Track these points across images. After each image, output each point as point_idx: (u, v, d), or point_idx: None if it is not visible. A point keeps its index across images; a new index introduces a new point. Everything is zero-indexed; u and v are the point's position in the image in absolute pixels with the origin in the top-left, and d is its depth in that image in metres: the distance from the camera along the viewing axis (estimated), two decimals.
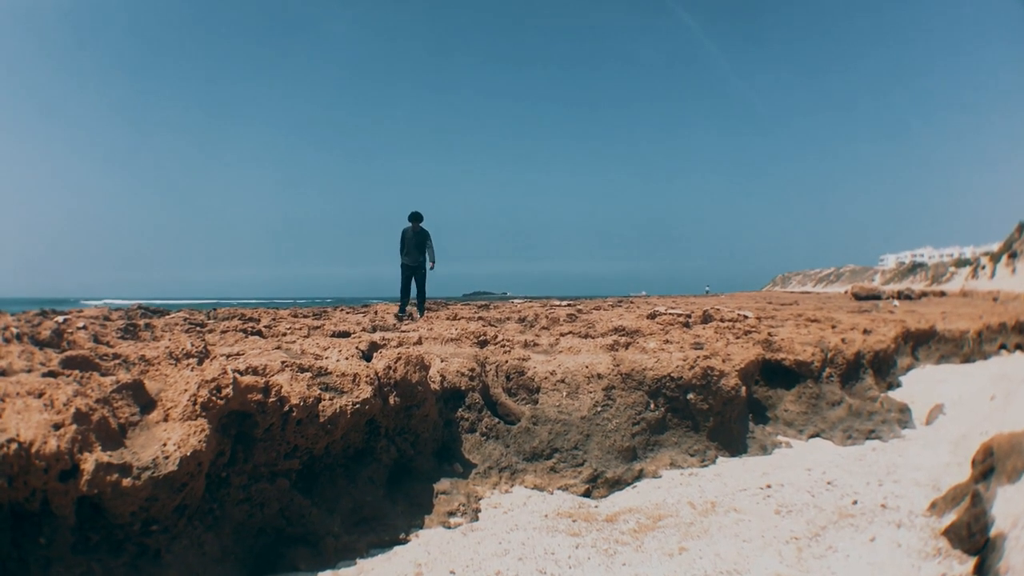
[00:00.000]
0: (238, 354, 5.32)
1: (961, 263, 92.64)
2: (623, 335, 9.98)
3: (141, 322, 9.28)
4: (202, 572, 3.72)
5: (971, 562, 4.21)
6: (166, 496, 3.57)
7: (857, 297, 33.62)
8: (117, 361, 4.43)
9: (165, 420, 3.88)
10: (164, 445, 3.65)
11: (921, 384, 11.67)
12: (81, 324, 7.45)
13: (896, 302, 27.30)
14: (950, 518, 4.89)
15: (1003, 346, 16.00)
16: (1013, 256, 65.95)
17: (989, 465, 4.78)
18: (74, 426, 3.33)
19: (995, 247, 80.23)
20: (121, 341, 6.46)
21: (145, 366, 4.37)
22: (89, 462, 3.30)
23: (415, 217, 14.32)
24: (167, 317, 11.50)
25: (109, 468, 3.34)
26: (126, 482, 3.37)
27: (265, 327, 10.04)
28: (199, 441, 3.76)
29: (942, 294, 41.03)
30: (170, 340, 4.76)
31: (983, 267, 73.12)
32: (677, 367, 7.22)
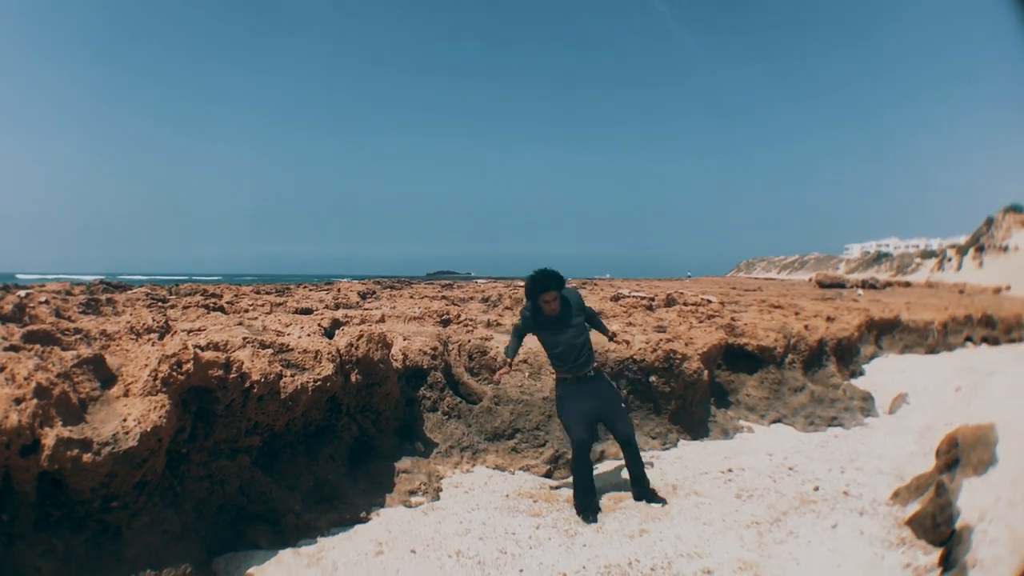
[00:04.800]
0: (199, 330, 5.31)
1: (927, 254, 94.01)
2: None
3: (103, 297, 9.25)
4: (162, 550, 3.74)
5: (936, 553, 4.26)
6: (126, 472, 3.59)
7: (821, 285, 34.00)
8: (79, 336, 4.41)
9: (126, 395, 3.87)
10: (124, 420, 3.65)
11: (885, 373, 11.97)
12: (43, 299, 7.40)
13: (860, 291, 27.61)
14: (914, 508, 5.00)
15: (968, 338, 16.36)
16: (980, 250, 67.24)
17: (954, 456, 4.86)
18: (35, 400, 3.32)
19: (962, 240, 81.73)
20: (83, 316, 6.44)
21: (106, 341, 4.36)
22: (50, 437, 3.30)
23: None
24: (129, 292, 11.47)
25: (70, 443, 3.34)
26: (86, 457, 3.39)
27: (227, 303, 10.01)
28: (159, 417, 3.77)
29: (907, 284, 41.60)
30: (131, 315, 4.75)
31: (949, 259, 74.57)
32: (640, 349, 7.38)
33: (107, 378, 3.98)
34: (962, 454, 4.74)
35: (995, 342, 16.72)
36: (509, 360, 5.83)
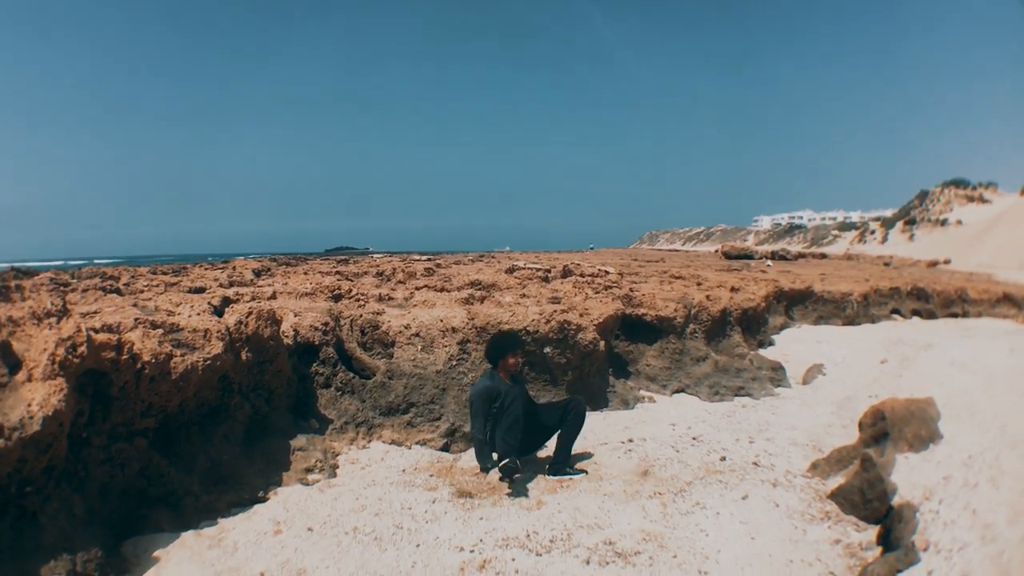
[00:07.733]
0: (95, 312, 5.43)
1: (845, 227, 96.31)
2: (479, 289, 10.51)
3: (12, 283, 9.22)
4: (73, 534, 3.96)
5: (872, 530, 4.35)
6: (34, 457, 3.81)
7: (728, 256, 34.56)
8: None
9: (29, 380, 4.02)
10: (29, 405, 3.84)
11: (797, 343, 12.28)
12: None
13: (769, 262, 28.01)
14: (837, 481, 5.11)
15: (896, 311, 16.60)
16: (911, 223, 69.52)
17: (881, 430, 4.96)
18: None
19: (888, 213, 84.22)
20: None
21: (13, 327, 4.46)
22: None
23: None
24: (35, 278, 11.39)
25: None
26: (0, 444, 3.58)
27: (124, 285, 9.93)
28: (59, 400, 3.96)
29: (823, 256, 42.41)
30: (34, 300, 4.87)
31: (872, 232, 76.96)
32: (533, 321, 7.74)
33: (14, 364, 4.11)
34: (892, 428, 4.87)
35: (930, 315, 16.98)
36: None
